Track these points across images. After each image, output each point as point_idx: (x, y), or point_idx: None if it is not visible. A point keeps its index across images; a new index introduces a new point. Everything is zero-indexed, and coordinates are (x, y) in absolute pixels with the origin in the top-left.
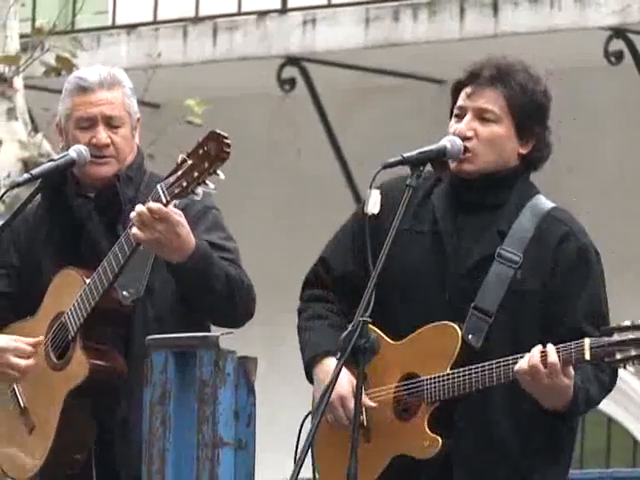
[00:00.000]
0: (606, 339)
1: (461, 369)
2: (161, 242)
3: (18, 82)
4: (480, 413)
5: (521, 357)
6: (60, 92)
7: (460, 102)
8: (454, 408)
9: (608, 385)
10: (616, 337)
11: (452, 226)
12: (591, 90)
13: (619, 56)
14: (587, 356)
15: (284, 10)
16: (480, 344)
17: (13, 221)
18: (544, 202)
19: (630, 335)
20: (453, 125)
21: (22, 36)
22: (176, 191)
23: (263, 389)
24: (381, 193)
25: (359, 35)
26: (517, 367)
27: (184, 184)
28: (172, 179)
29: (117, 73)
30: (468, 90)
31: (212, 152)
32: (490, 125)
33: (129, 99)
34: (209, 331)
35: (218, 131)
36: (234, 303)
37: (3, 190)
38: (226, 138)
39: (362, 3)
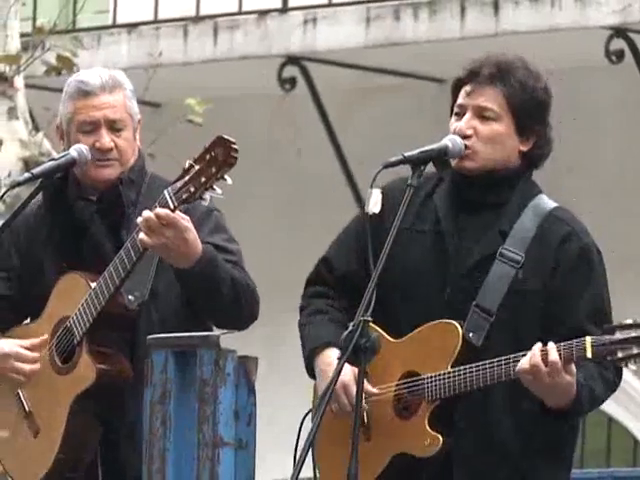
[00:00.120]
0: (608, 337)
1: (462, 367)
2: (168, 247)
3: (19, 81)
4: (480, 413)
5: (523, 355)
6: (61, 91)
7: (460, 100)
8: (454, 407)
9: (613, 383)
10: (618, 335)
11: (454, 225)
12: (592, 89)
13: (620, 55)
14: (589, 354)
15: (285, 9)
16: (481, 342)
17: (13, 221)
18: (546, 202)
19: (632, 333)
20: (453, 123)
21: (23, 35)
22: (184, 196)
23: (263, 389)
24: (383, 194)
25: (360, 34)
26: (518, 366)
27: (192, 189)
28: (179, 184)
29: (118, 75)
30: (468, 88)
31: (219, 157)
32: (490, 123)
33: (130, 101)
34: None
35: (225, 136)
36: (239, 306)
37: (4, 189)
38: (233, 143)
39: (363, 2)
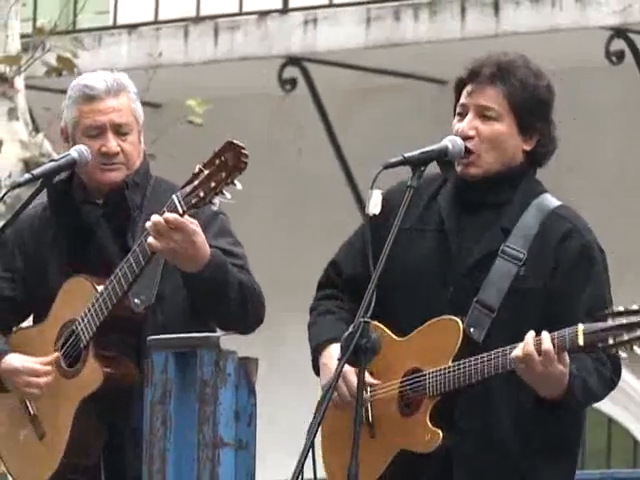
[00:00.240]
0: (599, 324)
1: (461, 361)
2: (177, 251)
3: (19, 82)
4: (480, 413)
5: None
6: (61, 92)
7: (462, 100)
8: (455, 406)
9: (610, 380)
10: (610, 322)
11: (456, 225)
12: (592, 90)
13: (620, 56)
14: (580, 341)
15: (285, 10)
16: (482, 338)
17: (14, 221)
18: (550, 200)
19: (623, 320)
20: (456, 124)
21: (23, 36)
22: (193, 201)
23: (264, 389)
24: (384, 197)
25: (360, 35)
26: (512, 355)
27: (201, 194)
28: (188, 189)
29: (122, 78)
30: (469, 88)
31: (229, 162)
32: (491, 123)
33: (135, 104)
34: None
35: (235, 141)
36: (246, 310)
37: (4, 190)
38: (243, 148)
39: (363, 3)
